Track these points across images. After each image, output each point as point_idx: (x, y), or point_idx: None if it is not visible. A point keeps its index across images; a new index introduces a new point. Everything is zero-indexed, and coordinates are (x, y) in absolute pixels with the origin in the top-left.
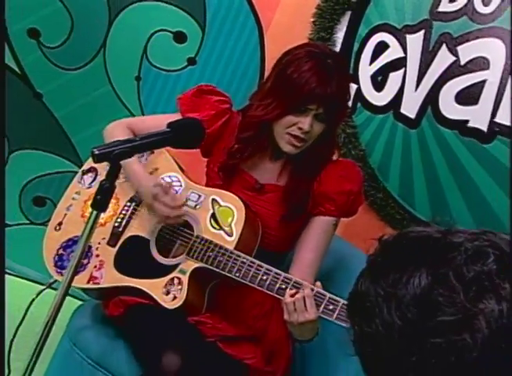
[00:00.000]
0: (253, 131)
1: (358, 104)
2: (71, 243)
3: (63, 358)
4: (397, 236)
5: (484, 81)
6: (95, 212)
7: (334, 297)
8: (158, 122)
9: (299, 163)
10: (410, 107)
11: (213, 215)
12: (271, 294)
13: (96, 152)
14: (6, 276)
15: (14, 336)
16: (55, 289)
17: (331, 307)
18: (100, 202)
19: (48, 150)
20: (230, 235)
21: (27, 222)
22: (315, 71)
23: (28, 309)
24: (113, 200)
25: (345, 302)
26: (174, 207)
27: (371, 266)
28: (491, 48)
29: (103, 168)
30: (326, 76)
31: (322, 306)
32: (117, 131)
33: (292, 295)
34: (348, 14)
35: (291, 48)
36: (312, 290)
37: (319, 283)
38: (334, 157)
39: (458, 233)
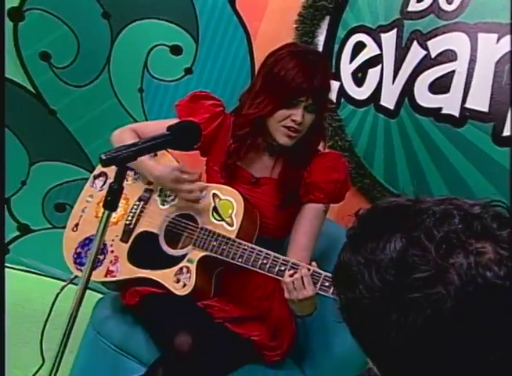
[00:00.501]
0: (248, 128)
1: (342, 99)
2: (88, 241)
3: (88, 345)
4: (371, 209)
5: (453, 71)
6: (107, 212)
7: (329, 274)
8: (159, 126)
9: (290, 156)
10: (389, 99)
11: (214, 208)
12: (272, 276)
13: (104, 157)
14: (35, 275)
15: (44, 328)
16: (76, 284)
17: (327, 284)
18: (111, 202)
19: (65, 160)
20: (231, 225)
21: (50, 226)
22: (300, 67)
23: (54, 303)
24: (122, 201)
25: None
26: (194, 181)
27: (350, 239)
28: (457, 41)
29: (112, 171)
30: (310, 70)
31: (319, 283)
32: (124, 134)
33: (291, 275)
34: (327, 19)
35: (274, 51)
36: (309, 269)
37: (314, 263)
38: (321, 149)
39: (425, 200)
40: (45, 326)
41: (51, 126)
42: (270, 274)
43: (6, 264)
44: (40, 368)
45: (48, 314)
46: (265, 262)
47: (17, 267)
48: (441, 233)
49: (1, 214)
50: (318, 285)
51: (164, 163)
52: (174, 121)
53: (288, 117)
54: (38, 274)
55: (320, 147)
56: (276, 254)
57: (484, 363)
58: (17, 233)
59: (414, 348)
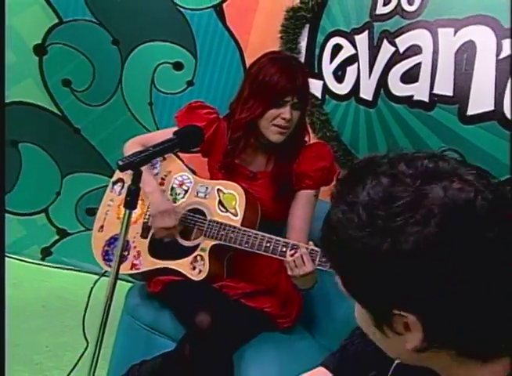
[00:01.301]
0: (241, 131)
1: (326, 96)
2: (113, 240)
3: (125, 328)
4: (348, 168)
5: (420, 63)
6: (127, 211)
7: None
8: (163, 134)
9: (280, 152)
10: (367, 92)
11: (220, 202)
12: (275, 256)
13: (121, 163)
14: (74, 271)
15: (84, 315)
16: (108, 276)
17: (324, 259)
18: (130, 202)
19: (91, 170)
20: (236, 215)
21: (84, 229)
22: (282, 72)
23: (91, 294)
24: (139, 202)
25: None
26: (169, 229)
27: (333, 197)
28: (420, 37)
29: (128, 177)
30: (291, 73)
31: (317, 260)
32: (131, 147)
33: (292, 255)
34: (307, 27)
35: (255, 60)
36: (307, 248)
37: (311, 243)
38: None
39: (395, 153)
40: (85, 313)
41: (76, 142)
42: (273, 255)
43: (49, 264)
44: (85, 350)
45: (87, 303)
46: (268, 245)
47: (59, 266)
48: (415, 170)
49: (2, 213)
50: (316, 261)
51: (173, 167)
52: (175, 129)
53: (278, 116)
54: (77, 270)
55: (306, 138)
56: (278, 238)
57: (475, 279)
58: (57, 237)
59: (408, 272)
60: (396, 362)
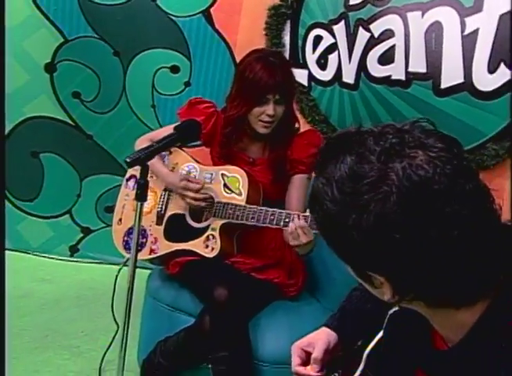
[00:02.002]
0: (232, 126)
1: (312, 83)
2: (131, 231)
3: (149, 309)
4: (325, 142)
5: (394, 46)
6: (139, 203)
7: None
8: (167, 130)
9: (273, 140)
10: (349, 76)
11: (225, 185)
12: (279, 227)
13: (128, 160)
14: (100, 264)
15: (112, 302)
16: (127, 265)
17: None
18: (141, 194)
19: (106, 172)
20: (240, 195)
21: (105, 225)
22: (264, 69)
23: (116, 282)
24: (151, 193)
25: None
26: (198, 191)
27: (315, 169)
28: (392, 21)
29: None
30: (272, 70)
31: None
32: (141, 143)
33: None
34: (289, 22)
35: (242, 59)
36: (305, 216)
37: (308, 210)
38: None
39: (366, 127)
40: (112, 300)
41: (90, 148)
42: (277, 226)
43: (78, 259)
44: (116, 332)
45: (113, 290)
46: (272, 217)
47: (86, 260)
48: (380, 147)
49: (2, 210)
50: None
51: (179, 159)
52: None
53: (263, 113)
54: (102, 263)
55: (297, 125)
56: (280, 210)
57: (431, 248)
58: (81, 235)
59: (372, 245)
60: (390, 312)
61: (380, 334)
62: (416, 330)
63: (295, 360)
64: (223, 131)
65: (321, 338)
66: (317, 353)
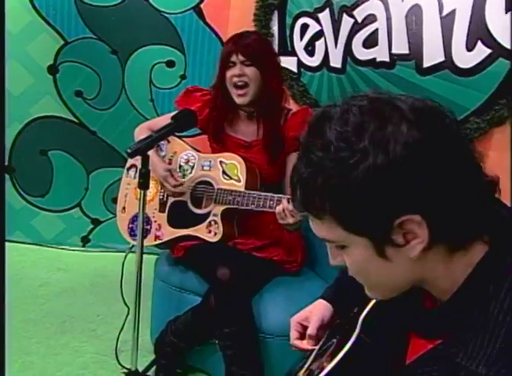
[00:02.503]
0: (219, 108)
1: (302, 69)
2: (135, 218)
3: (158, 291)
4: (313, 116)
5: (377, 29)
6: (142, 191)
7: None
8: (166, 119)
9: (266, 120)
10: (336, 61)
11: (223, 172)
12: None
13: (129, 151)
14: (110, 253)
15: (121, 286)
16: (134, 252)
17: None
18: (143, 183)
19: (111, 165)
20: (239, 181)
21: (113, 215)
22: (233, 39)
23: (123, 268)
24: (153, 181)
25: None
26: (175, 186)
27: (299, 147)
28: (374, 6)
29: (139, 162)
30: (240, 37)
31: None
32: (141, 132)
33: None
34: (276, 12)
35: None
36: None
37: None
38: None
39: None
40: (121, 284)
41: (95, 143)
42: (274, 210)
43: (90, 249)
44: (128, 314)
45: (121, 276)
46: (271, 202)
47: (98, 250)
48: (349, 127)
49: (2, 208)
50: None
51: (178, 147)
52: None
53: (232, 76)
54: (113, 251)
55: (289, 106)
56: (278, 195)
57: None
58: (92, 226)
59: (406, 182)
60: None
61: (374, 300)
62: (408, 295)
63: (293, 334)
64: (212, 114)
65: (316, 313)
66: (311, 330)
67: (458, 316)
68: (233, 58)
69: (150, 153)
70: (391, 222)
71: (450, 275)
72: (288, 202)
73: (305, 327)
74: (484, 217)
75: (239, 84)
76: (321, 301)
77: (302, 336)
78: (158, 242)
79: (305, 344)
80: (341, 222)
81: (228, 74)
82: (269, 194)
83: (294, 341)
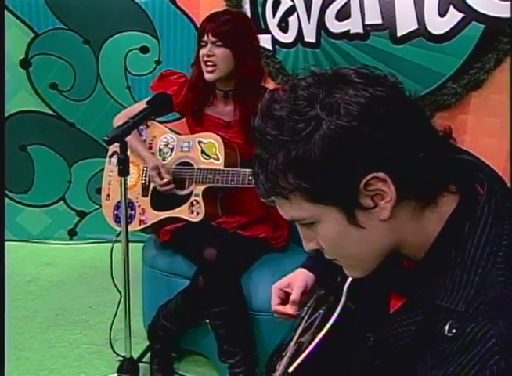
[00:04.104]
0: (196, 88)
1: (276, 46)
2: (119, 204)
3: (147, 277)
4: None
5: (349, 1)
6: (122, 178)
7: None
8: (142, 105)
9: (242, 99)
10: (310, 35)
11: (202, 151)
12: None
13: (106, 138)
14: (98, 244)
15: (112, 272)
16: (119, 241)
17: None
18: (123, 170)
19: (92, 156)
20: (218, 160)
21: (98, 207)
22: (208, 19)
23: (112, 255)
24: (134, 167)
25: None
26: (162, 185)
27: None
28: None
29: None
30: (214, 16)
31: None
32: (119, 120)
33: None
34: None
35: None
36: None
37: None
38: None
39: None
40: (111, 272)
41: (74, 135)
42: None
43: (77, 242)
44: (119, 303)
45: (111, 264)
46: (250, 178)
47: (85, 241)
48: (306, 92)
49: (1, 206)
50: None
51: (157, 131)
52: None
53: (203, 55)
54: (100, 242)
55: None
56: None
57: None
58: (78, 219)
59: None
60: None
61: None
62: (388, 260)
63: (275, 300)
64: (190, 93)
65: (299, 279)
66: (294, 296)
67: (435, 268)
68: (205, 38)
69: (139, 147)
70: (356, 183)
71: (423, 231)
72: None
73: (287, 294)
74: (446, 166)
75: (208, 63)
76: (302, 270)
77: (284, 303)
78: (143, 226)
79: (288, 308)
80: (308, 194)
81: (200, 53)
82: (248, 170)
83: (276, 306)
